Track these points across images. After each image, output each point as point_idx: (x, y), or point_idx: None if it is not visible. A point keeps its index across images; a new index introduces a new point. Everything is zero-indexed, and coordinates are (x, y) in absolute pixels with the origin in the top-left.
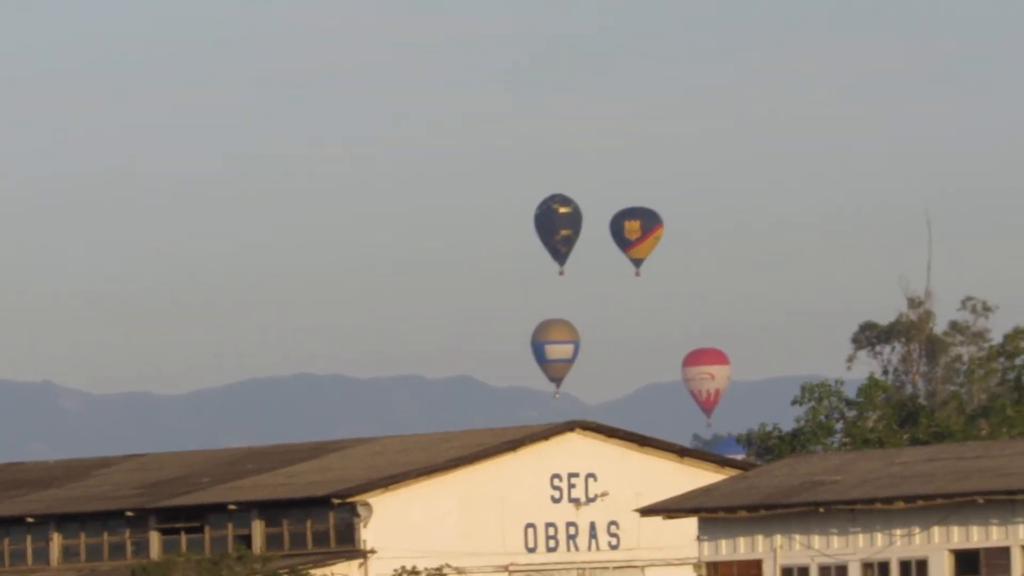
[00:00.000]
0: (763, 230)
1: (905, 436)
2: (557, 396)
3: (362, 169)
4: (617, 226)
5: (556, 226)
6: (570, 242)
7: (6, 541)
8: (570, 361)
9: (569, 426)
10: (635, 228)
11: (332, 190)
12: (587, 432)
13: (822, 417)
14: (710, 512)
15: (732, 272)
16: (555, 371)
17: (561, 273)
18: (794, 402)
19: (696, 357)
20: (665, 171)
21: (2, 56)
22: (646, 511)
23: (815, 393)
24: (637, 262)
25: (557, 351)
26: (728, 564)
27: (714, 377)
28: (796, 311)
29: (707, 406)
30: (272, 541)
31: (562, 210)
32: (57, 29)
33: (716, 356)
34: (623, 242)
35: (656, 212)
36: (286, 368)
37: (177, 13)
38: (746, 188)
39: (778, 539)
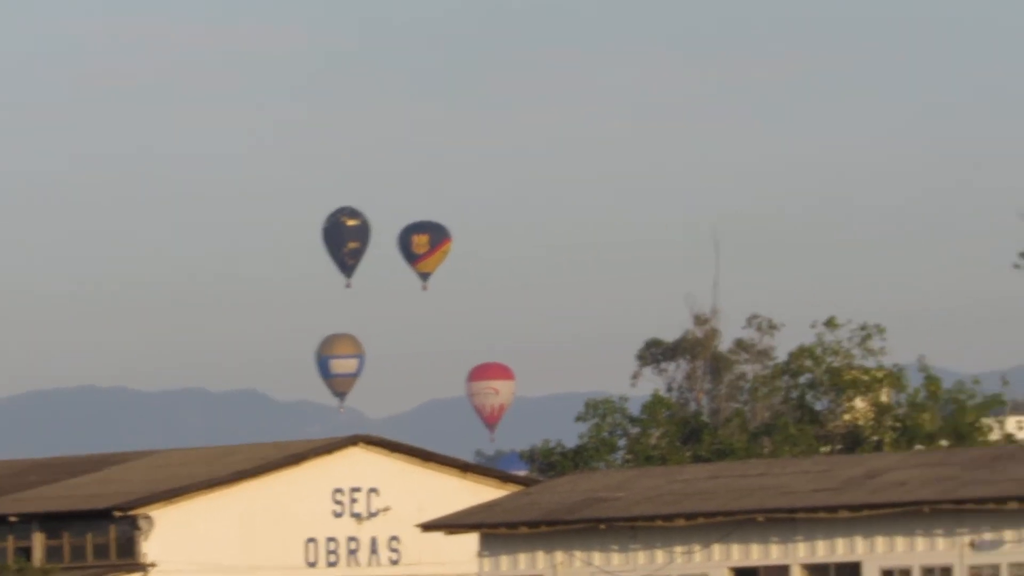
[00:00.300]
0: (551, 247)
1: (688, 453)
2: (341, 411)
3: (154, 180)
4: (405, 240)
5: (344, 238)
6: (358, 255)
7: None
8: (354, 375)
9: (352, 440)
10: (423, 242)
11: (124, 200)
12: (370, 447)
13: (605, 434)
14: (491, 528)
15: (519, 289)
16: (339, 385)
17: (348, 286)
18: (578, 418)
19: (481, 372)
20: (455, 186)
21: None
22: (427, 526)
23: (599, 409)
24: (424, 276)
25: (341, 365)
26: None
27: (498, 392)
28: (582, 328)
29: (491, 421)
30: (52, 554)
31: (350, 223)
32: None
33: (501, 371)
34: (411, 256)
35: (444, 227)
36: (70, 380)
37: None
38: (533, 206)
39: (559, 555)
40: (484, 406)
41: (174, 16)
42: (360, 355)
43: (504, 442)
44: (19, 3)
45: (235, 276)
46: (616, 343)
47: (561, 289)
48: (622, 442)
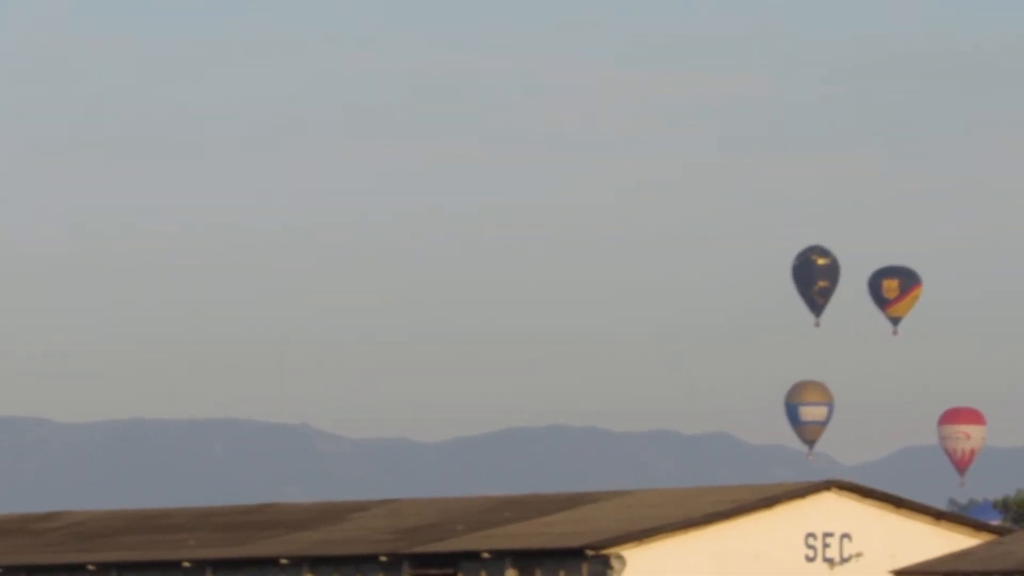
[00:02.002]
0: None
1: None
2: (810, 458)
3: (594, 227)
4: (875, 284)
5: (814, 277)
6: (827, 294)
7: None
8: (823, 424)
9: (825, 485)
10: (893, 287)
11: (571, 246)
12: (842, 492)
13: None
14: None
15: (992, 335)
16: (808, 433)
17: (817, 325)
18: None
19: (952, 416)
20: (926, 227)
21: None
22: (901, 573)
23: None
24: (895, 321)
25: (811, 413)
26: None
27: (969, 437)
28: None
29: (961, 466)
30: None
31: (820, 262)
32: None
33: (972, 416)
34: (881, 300)
35: (915, 272)
36: (542, 419)
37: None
38: (1005, 249)
39: None
40: (955, 450)
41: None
42: (829, 403)
43: (977, 491)
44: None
45: (706, 320)
46: None
47: None
48: None
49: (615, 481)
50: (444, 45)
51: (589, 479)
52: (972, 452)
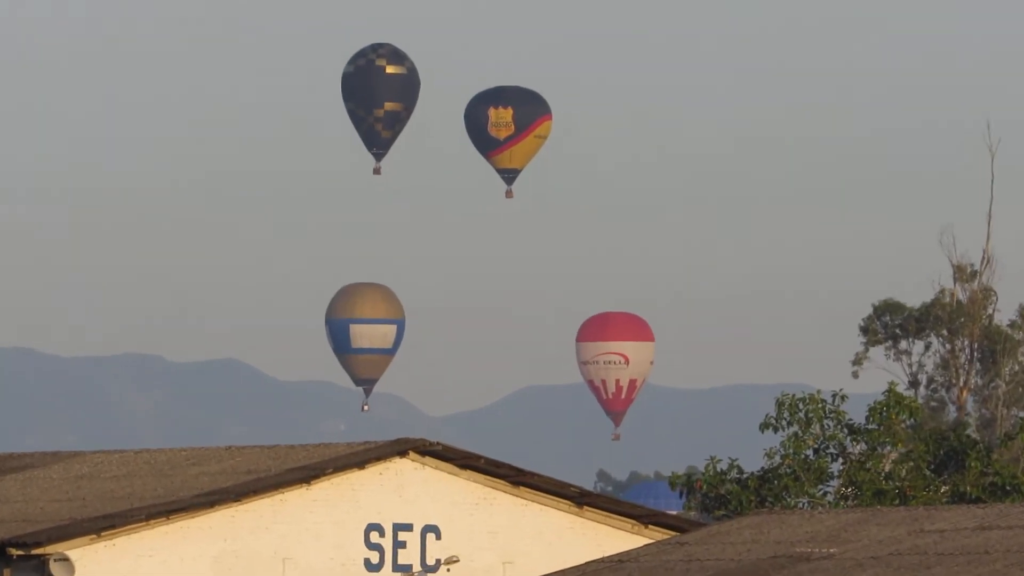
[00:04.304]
0: (706, 147)
1: (944, 488)
2: (366, 408)
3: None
4: (477, 115)
5: (379, 94)
6: (396, 123)
7: None
8: (390, 351)
9: (397, 448)
10: (505, 120)
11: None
12: (426, 459)
13: (809, 452)
14: None
15: (660, 207)
16: (363, 368)
17: (377, 171)
18: (764, 426)
19: (599, 327)
20: (553, 40)
21: None
22: None
23: (798, 412)
24: (509, 175)
25: (367, 335)
26: None
27: (628, 361)
28: (767, 280)
29: (614, 408)
30: None
31: (390, 70)
32: None
33: (632, 326)
34: (486, 142)
35: (539, 96)
36: None
37: None
38: (679, 77)
39: None
40: (603, 382)
41: None
42: (398, 319)
43: (642, 458)
44: None
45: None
46: (826, 308)
47: (729, 216)
48: (837, 466)
49: (67, 429)
50: None
51: (26, 427)
52: (632, 385)
